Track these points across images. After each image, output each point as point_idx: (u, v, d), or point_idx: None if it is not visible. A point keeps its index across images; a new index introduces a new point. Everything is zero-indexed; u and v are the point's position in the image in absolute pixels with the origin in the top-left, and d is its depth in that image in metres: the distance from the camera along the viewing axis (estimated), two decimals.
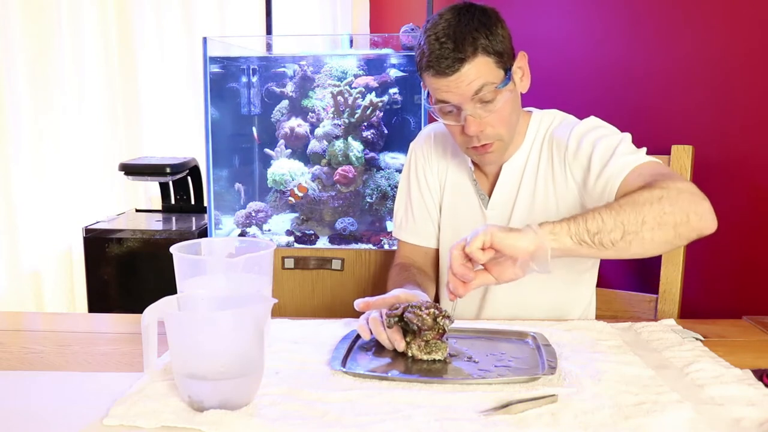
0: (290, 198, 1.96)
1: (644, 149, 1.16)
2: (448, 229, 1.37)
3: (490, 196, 1.30)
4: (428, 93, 1.19)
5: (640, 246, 0.95)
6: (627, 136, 1.18)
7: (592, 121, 1.24)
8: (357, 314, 1.05)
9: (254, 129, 2.08)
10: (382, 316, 0.99)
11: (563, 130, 1.25)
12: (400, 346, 0.96)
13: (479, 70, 1.12)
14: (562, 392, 0.83)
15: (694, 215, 0.97)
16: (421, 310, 0.95)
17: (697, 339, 1.04)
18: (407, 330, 0.97)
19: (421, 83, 1.20)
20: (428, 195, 1.38)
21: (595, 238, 0.93)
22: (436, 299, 1.40)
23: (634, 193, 0.98)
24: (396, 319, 0.96)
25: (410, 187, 1.41)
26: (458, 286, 0.95)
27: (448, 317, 0.95)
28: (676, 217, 0.95)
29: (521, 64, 1.20)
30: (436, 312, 0.95)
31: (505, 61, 1.15)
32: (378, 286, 1.80)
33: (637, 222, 0.94)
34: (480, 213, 1.32)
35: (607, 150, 1.15)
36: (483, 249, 0.91)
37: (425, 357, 0.95)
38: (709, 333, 1.07)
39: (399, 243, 1.43)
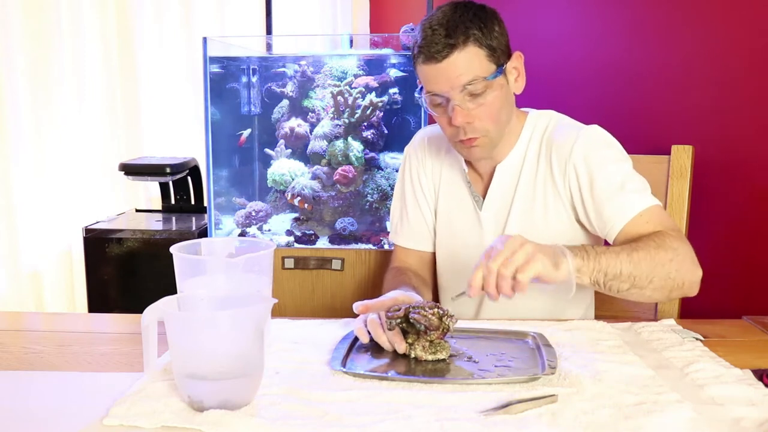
0: (290, 196, 1.97)
1: (648, 186, 1.17)
2: (444, 232, 1.36)
3: (484, 198, 1.29)
4: (421, 87, 1.19)
5: (635, 298, 1.06)
6: (630, 163, 1.19)
7: (599, 134, 1.22)
8: (357, 314, 1.05)
9: (243, 133, 2.06)
10: (380, 319, 0.99)
11: (564, 134, 1.22)
12: (401, 347, 0.96)
13: (470, 60, 1.12)
14: (562, 392, 0.83)
15: (688, 283, 1.07)
16: (425, 310, 0.95)
17: (697, 339, 1.04)
18: (407, 331, 0.97)
19: (417, 80, 1.20)
20: (423, 198, 1.37)
21: (608, 284, 1.01)
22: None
23: (650, 246, 1.04)
24: (398, 320, 0.96)
25: (405, 191, 1.40)
26: (494, 294, 0.95)
27: (452, 316, 0.95)
28: (676, 282, 1.05)
29: (516, 65, 1.19)
30: (441, 312, 0.95)
31: (498, 56, 1.15)
32: (378, 286, 1.79)
33: (646, 280, 1.02)
34: (474, 215, 1.30)
35: (614, 179, 1.16)
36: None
37: (430, 357, 0.95)
38: (709, 333, 1.07)
39: (395, 247, 1.42)
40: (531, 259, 0.93)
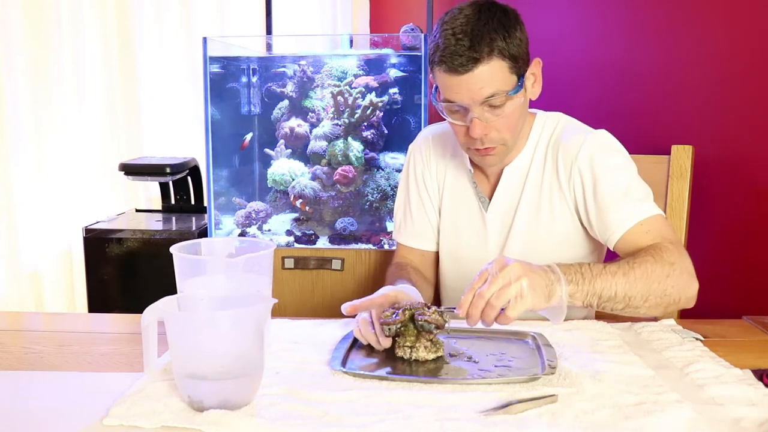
0: (293, 198, 1.97)
1: (651, 194, 1.16)
2: (448, 231, 1.35)
3: (490, 199, 1.29)
4: (436, 88, 1.16)
5: (630, 315, 1.05)
6: (635, 170, 1.19)
7: (606, 139, 1.21)
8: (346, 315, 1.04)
9: (246, 137, 2.06)
10: (370, 317, 0.99)
11: (572, 137, 1.21)
12: (386, 342, 0.97)
13: (493, 74, 1.09)
14: (562, 392, 0.83)
15: (684, 298, 1.05)
16: (427, 310, 0.95)
17: (697, 339, 1.04)
18: (403, 334, 0.96)
19: (429, 76, 1.18)
20: (427, 197, 1.37)
21: (602, 305, 1.00)
22: (436, 302, 1.39)
23: (647, 263, 1.03)
24: (398, 326, 0.95)
25: (409, 190, 1.39)
26: (475, 319, 0.93)
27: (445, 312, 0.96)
28: (672, 298, 1.03)
29: (535, 71, 1.18)
30: (439, 310, 0.95)
31: (520, 66, 1.12)
32: (378, 285, 1.79)
33: (641, 299, 1.01)
34: (480, 216, 1.30)
35: (618, 185, 1.15)
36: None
37: (432, 356, 0.95)
38: (709, 333, 1.07)
39: (398, 245, 1.42)
40: (523, 295, 0.91)
